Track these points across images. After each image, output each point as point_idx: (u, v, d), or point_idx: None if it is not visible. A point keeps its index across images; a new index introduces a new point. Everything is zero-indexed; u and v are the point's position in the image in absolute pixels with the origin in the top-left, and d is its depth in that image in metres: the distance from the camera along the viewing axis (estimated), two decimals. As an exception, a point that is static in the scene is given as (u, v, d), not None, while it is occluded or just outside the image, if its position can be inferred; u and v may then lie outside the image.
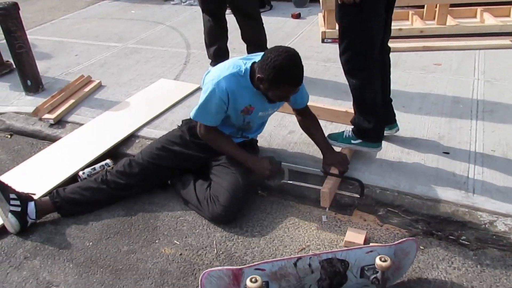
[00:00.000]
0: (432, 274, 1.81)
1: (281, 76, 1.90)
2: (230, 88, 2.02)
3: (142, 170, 2.27)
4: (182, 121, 2.44)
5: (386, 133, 2.42)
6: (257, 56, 2.08)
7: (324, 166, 2.22)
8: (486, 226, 1.94)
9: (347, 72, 2.13)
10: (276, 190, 2.34)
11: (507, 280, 1.76)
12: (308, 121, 2.35)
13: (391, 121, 2.46)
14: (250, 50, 3.26)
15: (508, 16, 4.16)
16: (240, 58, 2.11)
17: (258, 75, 1.95)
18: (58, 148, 2.74)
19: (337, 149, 2.33)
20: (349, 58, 2.07)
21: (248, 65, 2.05)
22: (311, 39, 4.20)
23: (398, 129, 2.49)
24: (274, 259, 1.61)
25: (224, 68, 2.07)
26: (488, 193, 2.08)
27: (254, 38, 3.28)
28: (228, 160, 2.22)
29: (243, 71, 2.04)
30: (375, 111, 2.20)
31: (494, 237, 1.91)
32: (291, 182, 2.22)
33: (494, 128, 2.57)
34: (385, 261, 1.56)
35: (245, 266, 1.59)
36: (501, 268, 1.82)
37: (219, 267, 1.62)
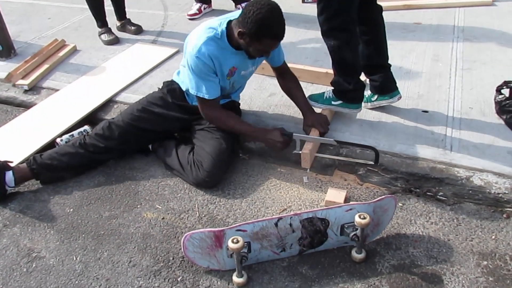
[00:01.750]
0: (410, 229, 1.86)
1: (263, 29, 1.86)
2: (212, 53, 1.98)
3: (122, 133, 2.23)
4: (164, 83, 2.40)
5: (387, 102, 2.35)
6: (231, 15, 2.04)
7: (304, 127, 2.21)
8: (463, 181, 1.98)
9: (325, 33, 2.09)
10: (258, 152, 2.34)
11: (482, 232, 1.82)
12: (289, 81, 2.33)
13: (392, 88, 2.35)
14: None
15: (489, -27, 4.11)
16: (213, 21, 2.05)
17: (240, 30, 1.91)
18: (34, 114, 2.68)
19: (318, 110, 2.33)
20: (327, 18, 2.03)
21: (224, 25, 2.00)
22: (290, 0, 4.10)
23: (400, 96, 2.36)
24: (255, 220, 1.62)
25: (200, 34, 2.01)
26: (465, 150, 2.11)
27: None
28: (212, 125, 2.19)
29: (220, 33, 1.99)
30: (354, 72, 2.18)
31: (470, 191, 1.96)
32: (302, 152, 2.13)
33: (472, 86, 2.59)
34: (364, 218, 1.59)
35: (226, 227, 1.60)
36: (476, 221, 1.87)
37: (201, 230, 1.63)
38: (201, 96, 2.06)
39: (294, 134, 2.11)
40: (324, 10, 2.01)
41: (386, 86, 2.34)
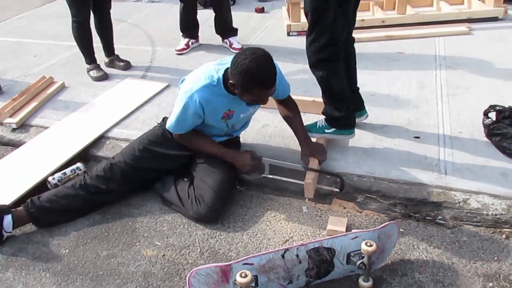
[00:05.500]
0: (414, 255, 1.86)
1: (250, 80, 1.83)
2: (205, 100, 1.98)
3: (124, 174, 2.19)
4: (163, 118, 2.39)
5: (356, 120, 2.45)
6: (228, 62, 2.02)
7: (303, 157, 2.23)
8: (460, 204, 2.01)
9: (314, 64, 2.14)
10: (255, 184, 2.33)
11: (484, 254, 1.84)
12: (290, 109, 2.30)
13: (360, 108, 2.50)
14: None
15: (462, 3, 4.32)
16: (213, 63, 2.05)
17: (230, 81, 1.90)
18: (23, 153, 2.62)
19: (313, 139, 2.35)
20: (317, 50, 2.08)
21: (221, 73, 1.98)
22: (276, 33, 4.21)
23: (367, 115, 2.53)
24: (261, 253, 1.60)
25: (197, 79, 2.01)
26: (459, 173, 2.15)
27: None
28: (213, 158, 2.18)
29: (216, 81, 1.98)
30: (344, 98, 2.23)
31: (469, 214, 1.98)
32: (271, 176, 2.21)
33: (459, 111, 2.67)
34: (370, 245, 1.59)
35: (233, 261, 1.58)
36: (477, 243, 1.89)
37: (207, 265, 1.60)
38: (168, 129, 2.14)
39: (263, 158, 2.16)
40: (314, 42, 2.07)
41: (356, 106, 2.43)
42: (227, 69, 1.98)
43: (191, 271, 1.57)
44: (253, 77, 1.82)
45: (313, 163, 2.17)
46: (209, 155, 2.19)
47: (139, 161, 2.20)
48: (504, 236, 1.91)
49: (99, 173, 2.19)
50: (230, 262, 1.57)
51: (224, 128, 2.18)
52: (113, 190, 2.20)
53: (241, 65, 1.81)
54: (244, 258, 1.58)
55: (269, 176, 2.20)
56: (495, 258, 1.81)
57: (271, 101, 2.25)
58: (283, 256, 1.62)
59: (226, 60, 2.03)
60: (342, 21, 2.03)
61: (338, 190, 2.14)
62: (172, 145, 2.22)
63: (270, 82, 1.88)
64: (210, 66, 2.04)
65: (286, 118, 2.32)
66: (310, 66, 2.18)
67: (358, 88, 2.47)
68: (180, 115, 2.04)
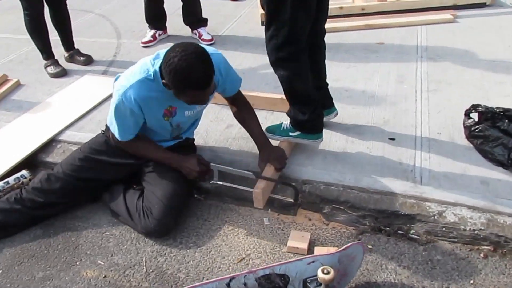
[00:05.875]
0: (381, 276, 1.67)
1: (180, 81, 1.61)
2: (140, 96, 1.75)
3: (63, 185, 1.99)
4: (106, 125, 2.17)
5: (326, 118, 2.25)
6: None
7: (259, 162, 2.02)
8: (435, 217, 1.82)
9: (273, 63, 1.93)
10: (214, 192, 2.13)
11: (459, 276, 1.65)
12: (243, 111, 2.11)
13: (329, 105, 2.29)
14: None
15: (448, -11, 4.09)
16: (150, 57, 1.81)
17: (163, 81, 1.69)
18: (-35, 160, 2.40)
19: (276, 142, 2.15)
20: (276, 47, 1.86)
21: (157, 66, 1.74)
22: (250, 22, 3.96)
23: (337, 113, 2.31)
24: (204, 282, 1.41)
25: (131, 75, 1.78)
26: (436, 181, 1.96)
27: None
28: (162, 166, 1.98)
29: (152, 75, 1.75)
30: (309, 102, 2.01)
31: (444, 229, 1.79)
32: (221, 183, 2.01)
33: (439, 108, 2.47)
34: (327, 273, 1.39)
35: (169, 293, 1.38)
36: (452, 263, 1.70)
37: (140, 298, 1.40)
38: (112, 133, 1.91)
39: (211, 164, 1.97)
40: (273, 38, 1.84)
41: (323, 104, 2.22)
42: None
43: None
44: (184, 78, 1.60)
45: (269, 170, 1.97)
46: (157, 163, 1.98)
47: (79, 171, 1.99)
48: (482, 254, 1.72)
49: (35, 185, 1.99)
50: (166, 295, 1.37)
51: (168, 128, 1.96)
52: (53, 203, 1.99)
53: (169, 64, 1.59)
54: (183, 289, 1.38)
55: (218, 182, 2.00)
56: (471, 282, 1.62)
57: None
58: (228, 285, 1.42)
59: (163, 53, 1.77)
60: (303, 14, 1.80)
61: (292, 201, 1.95)
62: (115, 153, 2.01)
63: (204, 83, 1.64)
64: (146, 60, 1.81)
65: (241, 120, 2.12)
66: (272, 64, 1.96)
67: (327, 84, 2.26)
68: (118, 118, 1.83)
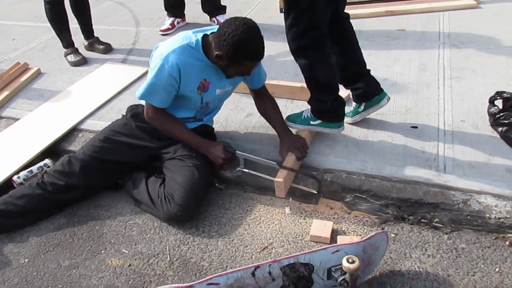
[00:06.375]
0: (405, 265, 1.66)
1: (241, 52, 1.74)
2: (182, 62, 1.82)
3: (84, 167, 2.01)
4: (128, 107, 2.20)
5: (376, 107, 2.18)
6: (208, 29, 1.90)
7: (281, 152, 2.02)
8: (460, 206, 1.79)
9: (294, 52, 1.91)
10: (235, 181, 2.13)
11: (484, 264, 1.63)
12: (266, 103, 2.17)
13: (378, 92, 2.18)
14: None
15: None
16: (189, 31, 1.90)
17: (216, 53, 1.78)
18: (-10, 149, 2.44)
19: (296, 131, 2.14)
20: (296, 36, 1.84)
21: (199, 36, 1.85)
22: (269, 9, 3.92)
23: (389, 98, 2.20)
24: (228, 271, 1.41)
25: (174, 41, 1.86)
26: (460, 169, 1.93)
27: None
28: (183, 153, 2.01)
29: (194, 43, 1.84)
30: (331, 90, 1.99)
31: (469, 217, 1.77)
32: (246, 170, 2.02)
33: (462, 96, 2.42)
34: (352, 262, 1.39)
35: (195, 282, 1.39)
36: (477, 251, 1.69)
37: (166, 286, 1.42)
38: (148, 102, 1.95)
39: (237, 152, 1.99)
40: (293, 26, 1.82)
41: (371, 91, 2.16)
42: (205, 35, 1.86)
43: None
44: (246, 49, 1.74)
45: (290, 159, 1.96)
46: (176, 148, 2.02)
47: (99, 152, 2.02)
48: (508, 242, 1.69)
49: (57, 167, 2.03)
50: (192, 283, 1.38)
51: (198, 103, 1.99)
52: (74, 186, 2.02)
53: (232, 36, 1.71)
54: (208, 278, 1.39)
55: (244, 170, 2.02)
56: (497, 270, 1.60)
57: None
58: (253, 274, 1.43)
59: (202, 29, 1.92)
60: (323, 1, 1.77)
61: (315, 192, 1.94)
62: (135, 135, 2.06)
63: (261, 54, 1.81)
64: (186, 32, 1.91)
65: (264, 113, 2.16)
66: (292, 53, 1.94)
67: (369, 70, 2.17)
68: (154, 79, 1.86)
